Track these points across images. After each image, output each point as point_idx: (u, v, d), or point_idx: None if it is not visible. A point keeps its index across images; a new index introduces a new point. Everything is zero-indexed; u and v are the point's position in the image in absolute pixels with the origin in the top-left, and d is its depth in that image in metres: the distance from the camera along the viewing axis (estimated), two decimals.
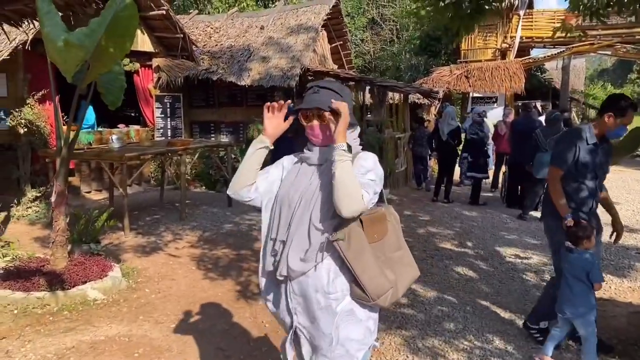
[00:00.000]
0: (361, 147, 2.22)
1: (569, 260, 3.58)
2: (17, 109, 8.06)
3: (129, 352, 3.79)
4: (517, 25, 18.71)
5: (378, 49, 35.76)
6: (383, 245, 2.08)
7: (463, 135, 10.10)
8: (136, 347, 3.88)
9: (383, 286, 2.00)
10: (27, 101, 8.01)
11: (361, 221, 1.99)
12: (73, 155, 7.79)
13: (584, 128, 3.77)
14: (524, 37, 18.90)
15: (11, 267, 5.10)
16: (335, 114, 2.02)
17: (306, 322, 2.07)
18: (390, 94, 11.69)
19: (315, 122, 2.11)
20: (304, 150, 2.20)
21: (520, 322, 4.28)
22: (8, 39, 7.00)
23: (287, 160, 2.29)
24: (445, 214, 8.78)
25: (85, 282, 4.87)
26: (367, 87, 10.83)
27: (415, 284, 5.27)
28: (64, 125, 8.77)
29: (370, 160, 2.07)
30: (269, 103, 2.16)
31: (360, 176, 1.99)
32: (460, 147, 10.14)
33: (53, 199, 5.00)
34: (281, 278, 2.07)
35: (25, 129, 7.91)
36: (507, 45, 18.96)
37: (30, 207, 7.72)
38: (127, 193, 7.07)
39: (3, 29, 6.12)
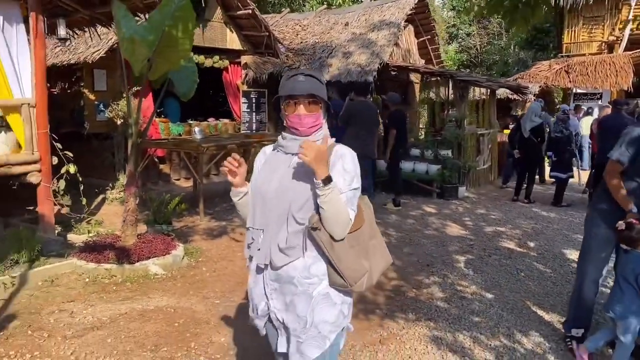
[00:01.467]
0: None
1: (622, 260, 3.42)
2: (115, 102, 8.94)
3: (170, 321, 4.17)
4: (628, 16, 17.20)
5: (485, 42, 34.57)
6: (358, 235, 2.12)
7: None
8: (179, 317, 4.26)
9: (359, 273, 2.07)
10: (124, 95, 8.84)
11: None
12: (153, 144, 8.53)
13: None
14: (634, 29, 17.34)
15: (90, 241, 5.76)
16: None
17: (281, 306, 2.13)
18: (479, 89, 11.39)
19: (303, 111, 2.06)
20: (279, 138, 2.22)
21: (560, 326, 4.11)
22: (100, 38, 7.83)
23: (268, 149, 2.32)
24: (520, 215, 8.45)
25: (149, 257, 5.38)
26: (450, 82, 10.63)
27: (460, 280, 5.22)
28: (140, 116, 9.67)
29: (349, 160, 2.06)
30: (226, 167, 2.18)
31: (345, 187, 2.00)
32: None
33: (124, 181, 5.57)
34: (262, 266, 2.11)
35: (121, 120, 8.77)
36: (615, 38, 17.51)
37: (122, 191, 8.54)
38: (204, 181, 7.61)
39: (96, 30, 6.87)
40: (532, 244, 6.60)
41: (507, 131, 12.53)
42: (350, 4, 20.04)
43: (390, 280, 5.26)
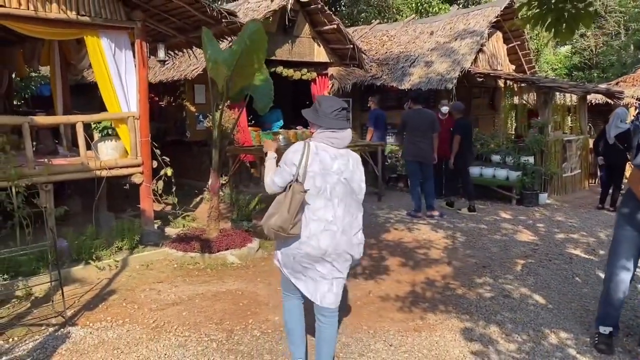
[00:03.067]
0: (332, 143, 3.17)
1: None
2: (211, 113, 10.03)
3: (236, 302, 4.88)
4: None
5: (600, 43, 32.63)
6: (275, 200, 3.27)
7: None
8: (244, 299, 4.97)
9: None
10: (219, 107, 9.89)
11: None
12: (241, 150, 9.43)
13: None
14: None
15: (181, 233, 6.69)
16: None
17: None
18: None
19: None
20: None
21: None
22: (197, 58, 8.87)
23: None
24: (600, 223, 8.27)
25: (228, 248, 6.18)
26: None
27: (511, 281, 5.43)
28: (222, 125, 10.64)
29: (289, 151, 3.20)
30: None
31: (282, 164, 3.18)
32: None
33: (209, 182, 6.42)
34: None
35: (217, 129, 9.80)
36: None
37: None
38: None
39: (192, 51, 7.89)
40: (601, 252, 6.54)
41: None
42: (445, 11, 20.11)
43: (443, 278, 5.60)
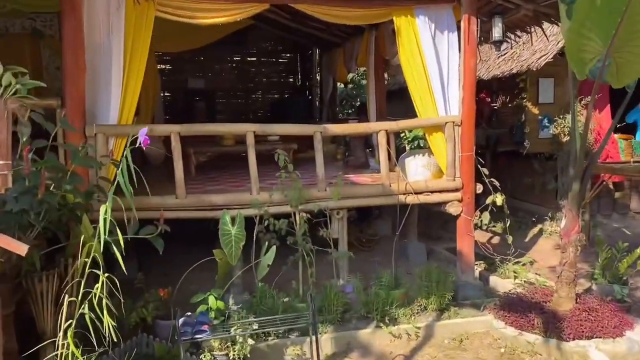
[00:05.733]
0: None
1: None
2: (562, 116, 7.48)
3: None
4: None
5: None
6: None
7: None
8: None
9: None
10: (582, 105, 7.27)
11: None
12: (605, 169, 6.66)
13: None
14: None
15: (513, 293, 4.54)
16: None
17: None
18: None
19: None
20: None
21: None
22: (547, 39, 6.46)
23: None
24: None
25: (591, 337, 3.77)
26: None
27: None
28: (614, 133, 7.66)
29: None
30: None
31: None
32: None
33: (562, 224, 4.12)
34: None
35: (568, 137, 7.23)
36: None
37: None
38: None
39: (542, 30, 5.59)
40: None
41: None
42: None
43: None
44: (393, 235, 5.22)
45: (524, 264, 5.51)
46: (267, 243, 4.10)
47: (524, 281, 5.02)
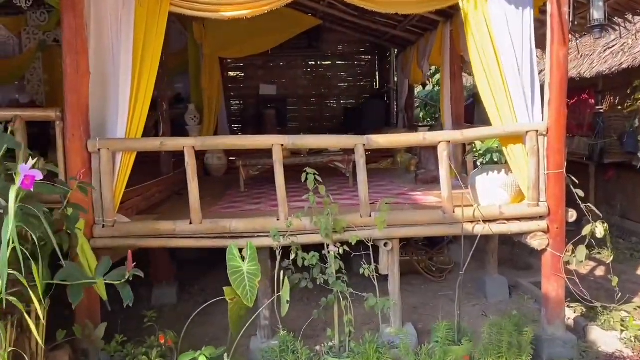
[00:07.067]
0: None
1: None
2: None
3: None
4: None
5: None
6: None
7: None
8: None
9: None
10: None
11: None
12: None
13: None
14: None
15: (618, 354, 3.41)
16: None
17: None
18: None
19: None
20: None
21: None
22: None
23: None
24: None
25: None
26: None
27: None
28: None
29: None
30: None
31: None
32: None
33: None
34: None
35: None
36: None
37: None
38: None
39: None
40: None
41: None
42: None
43: None
44: (470, 262, 4.19)
45: (634, 311, 4.28)
46: (285, 278, 3.34)
47: (634, 337, 3.84)
